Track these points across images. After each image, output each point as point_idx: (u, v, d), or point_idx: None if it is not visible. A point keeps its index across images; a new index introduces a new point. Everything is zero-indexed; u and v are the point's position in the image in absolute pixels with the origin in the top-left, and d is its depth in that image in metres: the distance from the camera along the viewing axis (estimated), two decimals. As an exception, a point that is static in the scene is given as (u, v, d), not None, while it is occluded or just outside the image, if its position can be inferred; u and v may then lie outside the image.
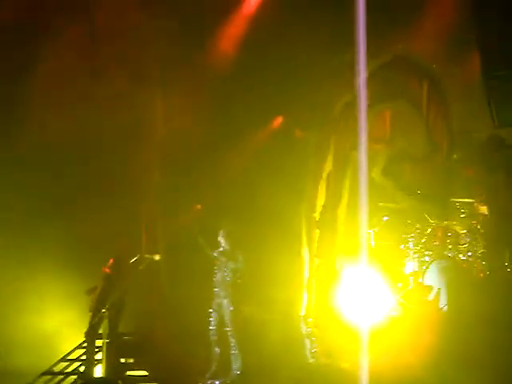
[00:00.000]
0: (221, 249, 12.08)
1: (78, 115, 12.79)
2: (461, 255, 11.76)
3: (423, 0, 12.79)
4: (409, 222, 12.14)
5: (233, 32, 13.66)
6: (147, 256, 12.42)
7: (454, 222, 11.91)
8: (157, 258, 12.55)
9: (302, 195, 12.64)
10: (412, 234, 12.09)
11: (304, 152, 12.80)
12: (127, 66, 13.12)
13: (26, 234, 12.70)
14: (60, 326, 12.66)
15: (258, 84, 13.02)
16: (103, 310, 11.45)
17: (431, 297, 11.45)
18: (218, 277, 12.08)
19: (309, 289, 12.34)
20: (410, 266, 12.03)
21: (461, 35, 12.14)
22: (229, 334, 11.95)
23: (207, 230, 12.35)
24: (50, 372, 12.11)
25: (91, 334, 11.61)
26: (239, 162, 13.46)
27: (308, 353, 11.85)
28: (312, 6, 12.77)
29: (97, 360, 11.82)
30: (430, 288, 11.50)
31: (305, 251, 12.50)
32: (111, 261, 11.88)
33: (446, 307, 11.17)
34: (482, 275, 11.42)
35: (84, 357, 11.92)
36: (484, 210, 11.57)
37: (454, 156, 12.12)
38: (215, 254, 12.03)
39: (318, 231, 12.39)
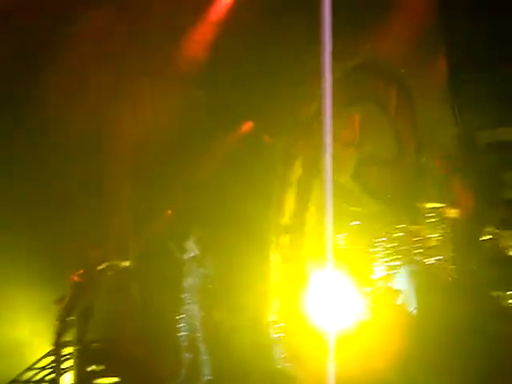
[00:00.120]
0: (191, 254, 12.07)
1: (42, 124, 12.77)
2: (430, 259, 11.77)
3: (391, 3, 12.84)
4: (378, 226, 12.19)
5: (201, 37, 13.65)
6: (116, 262, 12.42)
7: (423, 226, 11.94)
8: (126, 264, 12.55)
9: (271, 200, 12.62)
10: (381, 239, 12.11)
11: (273, 157, 12.78)
12: (92, 75, 13.09)
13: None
14: (31, 336, 12.59)
15: (227, 89, 13.01)
16: (71, 318, 11.43)
17: (400, 301, 11.47)
18: (188, 282, 12.07)
19: (278, 294, 12.32)
20: (379, 270, 12.06)
21: (428, 38, 12.20)
22: (199, 339, 11.95)
23: (177, 235, 12.34)
24: (17, 381, 12.07)
25: (58, 342, 11.58)
26: (209, 168, 13.47)
27: (277, 358, 11.86)
28: (280, 11, 12.79)
29: (66, 368, 11.80)
30: (399, 292, 11.52)
31: (274, 256, 12.47)
32: (79, 269, 11.87)
33: (415, 311, 11.21)
34: (450, 279, 11.45)
35: (52, 365, 11.91)
36: (453, 213, 11.60)
37: (423, 159, 12.14)
38: (185, 258, 12.02)
39: (286, 236, 12.39)
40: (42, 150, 12.70)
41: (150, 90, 13.22)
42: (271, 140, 13.32)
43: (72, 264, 12.15)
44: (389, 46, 12.56)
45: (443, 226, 11.77)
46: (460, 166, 11.62)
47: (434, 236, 11.86)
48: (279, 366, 11.79)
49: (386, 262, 12.03)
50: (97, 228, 12.82)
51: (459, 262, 11.46)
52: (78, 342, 11.70)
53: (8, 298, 12.46)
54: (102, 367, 12.30)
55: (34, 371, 12.38)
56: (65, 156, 12.77)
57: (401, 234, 12.05)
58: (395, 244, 12.07)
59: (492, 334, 9.70)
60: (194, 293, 12.04)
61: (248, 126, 14.01)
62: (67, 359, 11.78)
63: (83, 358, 11.75)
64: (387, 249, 12.07)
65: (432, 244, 11.88)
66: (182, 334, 11.97)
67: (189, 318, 12.02)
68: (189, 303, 12.00)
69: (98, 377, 12.18)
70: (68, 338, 11.78)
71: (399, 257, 12.00)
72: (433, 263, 11.80)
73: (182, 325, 12.01)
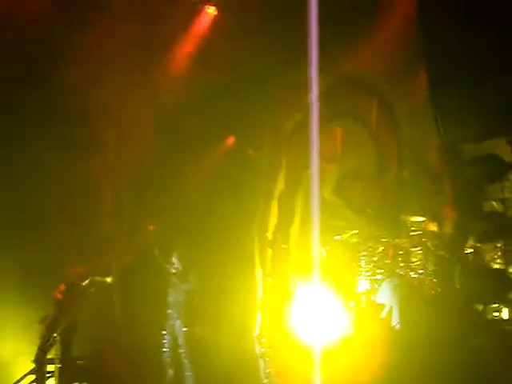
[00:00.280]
0: (174, 270, 12.05)
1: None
2: (412, 273, 11.77)
3: (372, 16, 12.87)
4: (361, 240, 12.19)
5: (182, 52, 13.66)
6: (98, 278, 12.36)
7: (405, 240, 11.94)
8: (108, 280, 12.49)
9: (256, 215, 12.61)
10: (364, 253, 12.13)
11: (257, 172, 12.78)
12: (77, 84, 13.07)
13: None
14: (14, 354, 12.51)
15: (210, 103, 13.02)
16: (54, 335, 11.37)
17: (384, 315, 11.47)
18: (171, 298, 12.04)
19: (262, 309, 12.28)
20: (363, 284, 12.07)
21: (410, 52, 12.22)
22: (182, 355, 11.91)
23: (163, 249, 12.32)
24: (0, 399, 12.03)
25: (40, 360, 11.51)
26: (192, 183, 13.44)
27: (262, 373, 11.82)
28: (263, 25, 12.81)
29: (49, 385, 11.75)
30: (382, 306, 11.49)
31: (258, 271, 12.45)
32: (62, 286, 11.81)
33: (398, 325, 11.20)
34: (434, 292, 11.45)
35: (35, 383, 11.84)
36: (435, 227, 11.61)
37: (405, 173, 12.15)
38: (171, 271, 12.01)
39: (270, 250, 12.37)
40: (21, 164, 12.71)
41: (133, 102, 13.22)
42: (256, 154, 13.33)
43: (55, 281, 12.10)
44: (370, 59, 12.60)
45: (426, 239, 11.81)
46: (443, 179, 11.64)
47: (417, 249, 11.90)
48: (264, 382, 11.78)
49: (370, 276, 12.07)
50: (78, 244, 12.77)
51: (442, 276, 11.47)
52: (61, 359, 11.63)
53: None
54: (85, 384, 12.29)
55: (17, 389, 12.35)
56: (42, 169, 12.74)
57: (384, 247, 12.12)
58: (378, 258, 12.12)
59: (475, 347, 9.71)
60: (178, 308, 12.03)
61: (232, 140, 14.03)
62: (50, 377, 11.72)
63: (66, 376, 11.68)
64: (370, 263, 12.12)
65: (415, 258, 11.91)
66: (166, 350, 11.96)
67: (172, 334, 12.00)
68: (172, 319, 11.98)
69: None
70: (51, 355, 11.73)
71: (382, 271, 12.03)
72: (416, 277, 11.83)
73: (165, 341, 11.99)
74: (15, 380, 12.35)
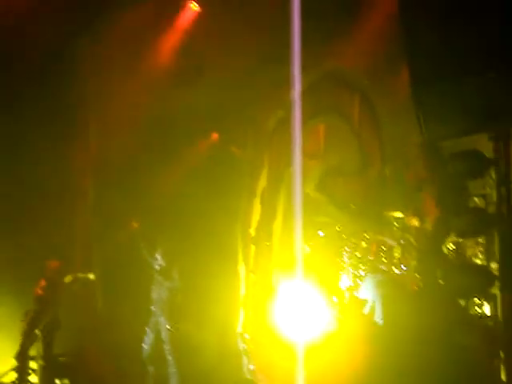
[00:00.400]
0: (157, 266, 12.03)
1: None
2: (395, 269, 11.82)
3: (354, 14, 12.93)
4: (344, 236, 12.23)
5: (167, 47, 13.65)
6: (81, 275, 12.33)
7: (388, 236, 11.99)
8: (91, 277, 12.45)
9: (238, 212, 12.61)
10: (347, 249, 12.16)
11: (240, 169, 12.79)
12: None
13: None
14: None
15: (192, 100, 13.01)
16: (36, 332, 11.32)
17: (366, 310, 11.50)
18: (155, 295, 12.02)
19: (245, 305, 12.29)
20: (346, 280, 12.10)
21: (392, 49, 12.27)
22: (166, 352, 11.89)
23: (146, 247, 12.30)
24: (-20, 397, 11.94)
25: (22, 356, 11.45)
26: (175, 180, 13.44)
27: (245, 369, 11.83)
28: (247, 22, 12.83)
29: (31, 382, 11.68)
30: (365, 302, 11.53)
31: (241, 267, 12.45)
32: (42, 282, 11.76)
33: (381, 321, 11.23)
34: (416, 288, 11.48)
35: (17, 380, 11.76)
36: (418, 222, 11.65)
37: (387, 169, 12.19)
38: (155, 267, 12.00)
39: (253, 247, 12.38)
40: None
41: (117, 103, 13.20)
42: (239, 151, 13.34)
43: (36, 277, 12.04)
44: (352, 57, 12.65)
45: (409, 235, 11.86)
46: (425, 176, 11.69)
47: (400, 245, 11.95)
48: (247, 378, 11.78)
49: (352, 271, 12.10)
50: (60, 240, 12.72)
51: (425, 271, 11.51)
52: (43, 356, 11.58)
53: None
54: (67, 381, 12.21)
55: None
56: (28, 166, 12.68)
57: (366, 243, 12.16)
58: (361, 254, 12.15)
59: (459, 343, 9.74)
60: (161, 305, 12.00)
61: (215, 137, 14.05)
62: (32, 374, 11.66)
63: (48, 373, 11.64)
64: (353, 258, 12.16)
65: (398, 253, 11.95)
66: (149, 346, 11.93)
67: (155, 331, 11.97)
68: (155, 316, 11.96)
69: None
70: (33, 352, 11.67)
71: (365, 267, 12.06)
72: (399, 273, 11.88)
73: (148, 338, 11.97)
74: (-2, 377, 12.34)
